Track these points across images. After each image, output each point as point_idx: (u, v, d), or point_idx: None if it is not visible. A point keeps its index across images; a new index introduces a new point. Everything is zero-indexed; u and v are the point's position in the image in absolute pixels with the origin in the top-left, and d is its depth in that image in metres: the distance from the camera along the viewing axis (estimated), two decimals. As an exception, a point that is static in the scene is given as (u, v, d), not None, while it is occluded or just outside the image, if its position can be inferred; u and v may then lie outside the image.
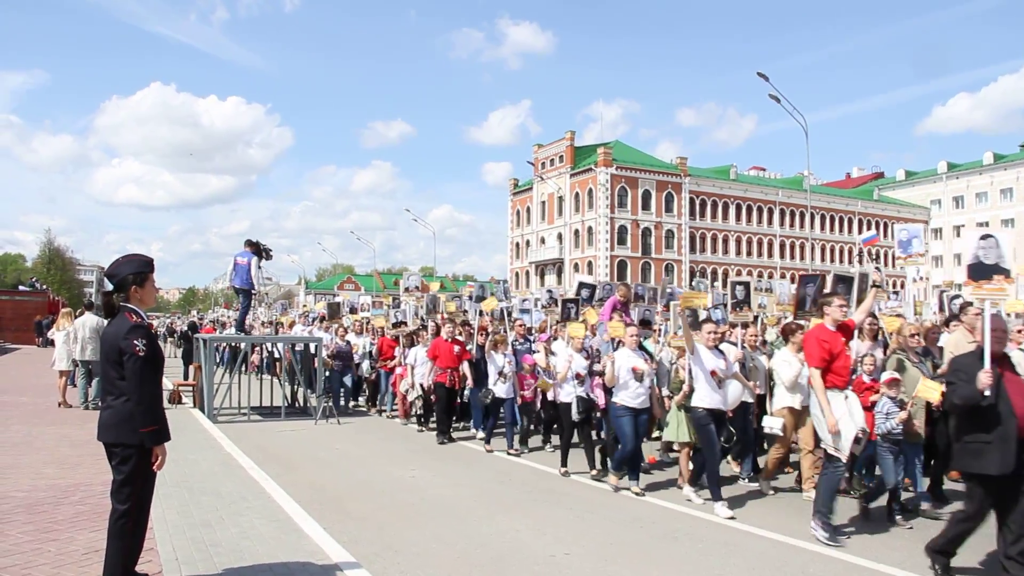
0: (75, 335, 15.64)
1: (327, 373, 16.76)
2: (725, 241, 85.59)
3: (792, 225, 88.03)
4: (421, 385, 14.24)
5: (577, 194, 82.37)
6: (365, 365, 17.55)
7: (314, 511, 7.65)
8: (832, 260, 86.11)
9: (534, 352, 12.85)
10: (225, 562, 5.85)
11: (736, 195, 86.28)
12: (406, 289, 18.76)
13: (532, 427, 13.11)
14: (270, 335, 21.47)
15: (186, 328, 27.90)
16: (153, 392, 5.03)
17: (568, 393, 10.25)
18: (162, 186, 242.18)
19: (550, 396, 11.30)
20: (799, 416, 9.07)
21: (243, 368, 18.66)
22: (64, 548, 6.01)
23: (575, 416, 10.12)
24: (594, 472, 9.97)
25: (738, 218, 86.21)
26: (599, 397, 10.53)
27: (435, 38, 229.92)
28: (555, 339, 12.75)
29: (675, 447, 10.36)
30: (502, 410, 12.59)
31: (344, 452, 11.94)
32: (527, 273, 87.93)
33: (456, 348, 13.27)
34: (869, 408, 7.96)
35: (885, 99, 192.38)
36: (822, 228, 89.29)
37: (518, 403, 12.70)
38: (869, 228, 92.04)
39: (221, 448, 11.38)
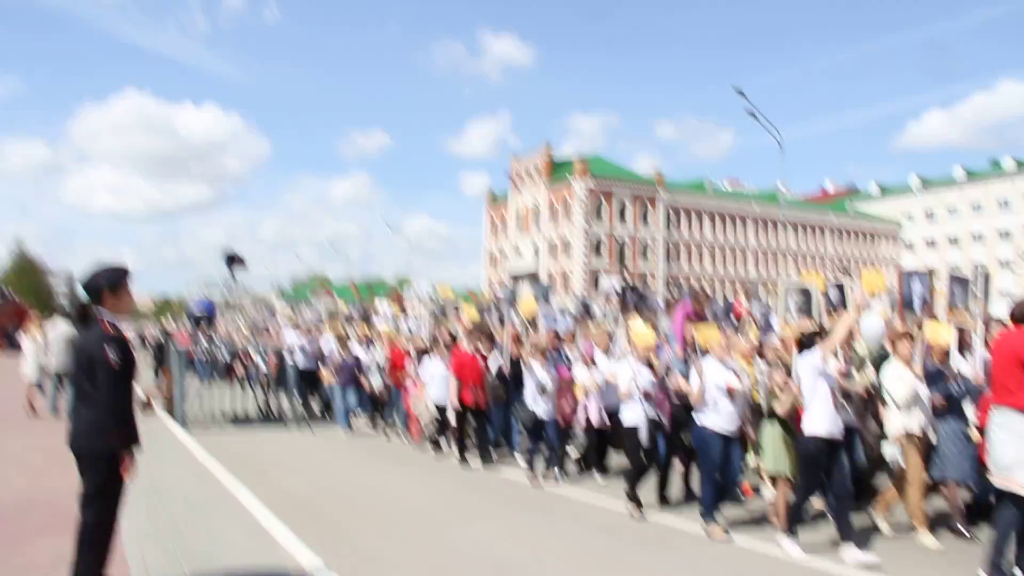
0: (45, 343, 15.50)
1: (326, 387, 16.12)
2: (701, 253, 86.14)
3: (767, 237, 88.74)
4: (438, 406, 12.39)
5: (553, 206, 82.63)
6: (376, 380, 15.26)
7: (285, 518, 7.61)
8: (807, 271, 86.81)
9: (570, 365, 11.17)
10: (195, 568, 5.82)
11: (712, 207, 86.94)
12: (418, 298, 17.22)
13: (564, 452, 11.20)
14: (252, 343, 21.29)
15: (160, 339, 27.68)
16: (124, 401, 5.00)
17: (635, 414, 8.53)
18: (137, 194, 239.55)
19: (593, 418, 10.44)
20: (916, 443, 7.67)
21: (214, 375, 18.63)
22: (32, 559, 5.95)
23: (644, 442, 8.46)
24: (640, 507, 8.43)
25: (713, 230, 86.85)
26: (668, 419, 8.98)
27: (415, 51, 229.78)
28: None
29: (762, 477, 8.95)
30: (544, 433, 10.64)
31: (316, 460, 11.91)
32: (502, 284, 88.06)
33: (481, 362, 11.86)
34: None
35: (861, 114, 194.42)
36: (796, 240, 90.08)
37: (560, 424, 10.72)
38: (843, 240, 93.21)
39: (192, 455, 11.30)
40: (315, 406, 17.32)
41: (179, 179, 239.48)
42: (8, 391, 19.59)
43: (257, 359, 17.56)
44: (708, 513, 7.69)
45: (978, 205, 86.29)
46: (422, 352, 13.48)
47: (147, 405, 16.26)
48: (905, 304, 9.96)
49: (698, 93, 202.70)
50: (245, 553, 6.37)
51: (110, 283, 5.07)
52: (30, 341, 15.90)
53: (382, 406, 15.38)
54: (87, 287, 5.11)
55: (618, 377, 8.90)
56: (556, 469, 10.46)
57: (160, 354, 22.11)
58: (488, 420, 12.00)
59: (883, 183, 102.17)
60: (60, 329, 15.53)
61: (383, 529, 7.73)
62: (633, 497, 8.42)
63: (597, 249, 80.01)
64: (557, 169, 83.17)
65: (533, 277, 79.26)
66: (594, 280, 77.52)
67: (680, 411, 8.80)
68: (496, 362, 12.09)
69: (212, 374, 18.32)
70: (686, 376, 8.56)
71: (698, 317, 10.63)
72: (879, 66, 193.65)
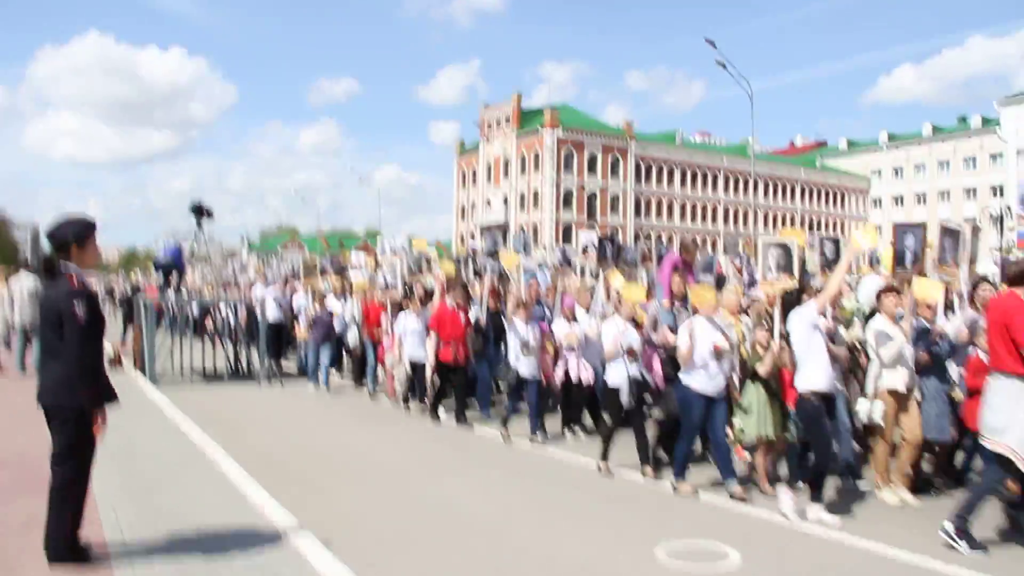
0: (10, 297, 15.25)
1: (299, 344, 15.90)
2: (670, 206, 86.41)
3: (736, 192, 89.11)
4: (412, 363, 12.15)
5: (523, 156, 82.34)
6: (351, 335, 14.86)
7: (258, 476, 7.64)
8: (775, 227, 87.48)
9: (555, 321, 10.95)
10: (169, 527, 5.84)
11: (682, 160, 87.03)
12: (392, 251, 16.62)
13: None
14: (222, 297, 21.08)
15: (128, 292, 27.34)
16: (93, 355, 5.00)
17: (618, 373, 8.32)
18: (100, 141, 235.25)
19: (573, 374, 10.17)
20: (902, 400, 7.47)
21: (185, 330, 18.43)
22: (3, 519, 5.93)
23: (625, 402, 8.29)
24: (646, 469, 8.28)
25: (683, 184, 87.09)
26: (657, 376, 8.86)
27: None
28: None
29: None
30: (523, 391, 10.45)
31: (287, 417, 11.93)
32: (473, 236, 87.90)
33: (462, 316, 11.48)
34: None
35: (832, 67, 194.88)
36: (765, 195, 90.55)
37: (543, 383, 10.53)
38: (812, 196, 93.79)
39: (163, 413, 11.29)
40: (285, 361, 17.28)
41: (143, 126, 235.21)
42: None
43: (227, 313, 17.40)
44: (680, 471, 7.68)
45: (945, 162, 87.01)
46: (397, 306, 13.17)
47: (115, 361, 16.25)
48: (897, 259, 9.55)
49: (670, 44, 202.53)
50: (218, 512, 6.40)
51: (76, 236, 5.03)
52: (-7, 295, 15.62)
53: (363, 364, 14.89)
54: (53, 240, 5.06)
55: (603, 335, 8.63)
56: (538, 430, 10.21)
57: (128, 308, 21.91)
58: (470, 377, 11.81)
59: (852, 138, 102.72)
60: (25, 283, 15.29)
61: (355, 486, 7.79)
62: (605, 455, 8.39)
63: (567, 201, 79.95)
64: (527, 119, 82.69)
65: (502, 229, 79.14)
66: (564, 232, 77.56)
67: (669, 365, 8.68)
68: (473, 316, 11.86)
69: (183, 329, 18.11)
70: (674, 329, 8.45)
71: (686, 266, 10.41)
72: (852, 19, 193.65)
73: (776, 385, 7.66)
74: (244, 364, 16.91)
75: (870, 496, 7.59)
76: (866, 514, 7.05)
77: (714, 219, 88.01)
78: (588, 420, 10.80)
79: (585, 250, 12.75)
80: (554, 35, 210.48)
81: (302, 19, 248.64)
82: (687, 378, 7.62)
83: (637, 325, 8.54)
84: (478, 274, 14.54)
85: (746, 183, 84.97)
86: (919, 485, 7.63)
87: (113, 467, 7.54)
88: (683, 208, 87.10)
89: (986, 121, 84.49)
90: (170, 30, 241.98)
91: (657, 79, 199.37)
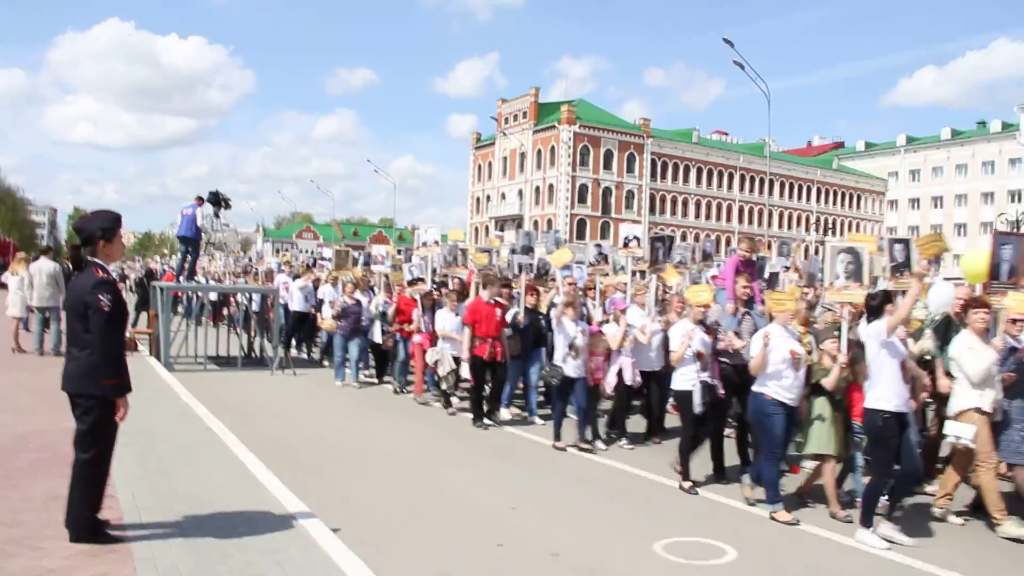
0: (30, 281, 15.53)
1: (328, 336, 15.47)
2: (685, 204, 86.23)
3: (752, 191, 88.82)
4: (454, 357, 11.47)
5: (540, 151, 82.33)
6: (376, 329, 14.11)
7: (269, 461, 7.86)
8: (790, 227, 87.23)
9: (601, 322, 10.60)
10: (184, 510, 6.05)
11: (698, 159, 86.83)
12: (423, 243, 15.93)
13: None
14: (241, 286, 21.34)
15: (142, 275, 27.62)
16: (117, 346, 5.20)
17: (688, 379, 7.96)
18: (119, 126, 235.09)
19: (627, 377, 9.74)
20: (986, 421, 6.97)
21: (202, 318, 18.73)
22: (25, 495, 6.17)
23: (697, 408, 7.88)
24: (747, 491, 7.51)
25: (699, 181, 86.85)
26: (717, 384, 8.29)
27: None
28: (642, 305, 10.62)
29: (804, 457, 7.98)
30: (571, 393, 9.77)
31: (300, 404, 12.15)
32: (487, 228, 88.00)
33: (499, 312, 11.00)
34: None
35: (853, 68, 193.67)
36: (781, 195, 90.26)
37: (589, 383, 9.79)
38: (828, 197, 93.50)
39: (178, 397, 11.52)
40: (308, 351, 17.39)
41: (162, 112, 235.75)
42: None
43: (242, 300, 17.66)
44: (775, 496, 7.02)
45: (963, 166, 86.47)
46: (430, 300, 12.84)
47: (130, 346, 16.49)
48: (994, 271, 9.02)
49: (689, 41, 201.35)
50: (231, 496, 6.61)
51: (103, 231, 5.25)
52: (15, 279, 15.91)
53: (386, 359, 14.46)
54: (81, 234, 5.29)
55: (671, 338, 8.33)
56: (591, 435, 9.74)
57: (143, 293, 22.19)
58: (503, 377, 11.37)
59: (869, 140, 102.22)
60: (45, 267, 15.57)
61: (364, 474, 8.01)
62: (685, 471, 7.89)
63: (582, 196, 79.96)
64: (544, 113, 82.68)
65: (516, 221, 79.17)
66: (578, 226, 77.56)
67: (731, 372, 8.27)
68: (511, 313, 11.36)
69: (199, 316, 18.41)
70: (738, 334, 8.19)
71: (747, 267, 9.80)
72: (874, 20, 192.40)
73: (842, 399, 7.32)
74: (257, 351, 17.18)
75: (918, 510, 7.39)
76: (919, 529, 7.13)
77: (729, 218, 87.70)
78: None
79: (627, 243, 11.93)
80: (573, 30, 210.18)
81: (322, 8, 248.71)
82: (765, 388, 7.14)
83: (707, 329, 8.26)
84: (519, 270, 13.88)
85: (762, 182, 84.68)
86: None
87: (130, 450, 7.74)
88: (698, 206, 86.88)
89: (1006, 126, 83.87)
90: (192, 18, 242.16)
91: (675, 76, 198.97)
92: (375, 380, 14.78)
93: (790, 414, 7.17)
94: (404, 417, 11.50)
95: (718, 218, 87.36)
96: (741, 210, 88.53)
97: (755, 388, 7.24)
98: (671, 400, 9.47)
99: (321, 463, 8.37)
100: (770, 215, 78.02)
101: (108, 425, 5.16)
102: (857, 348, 7.10)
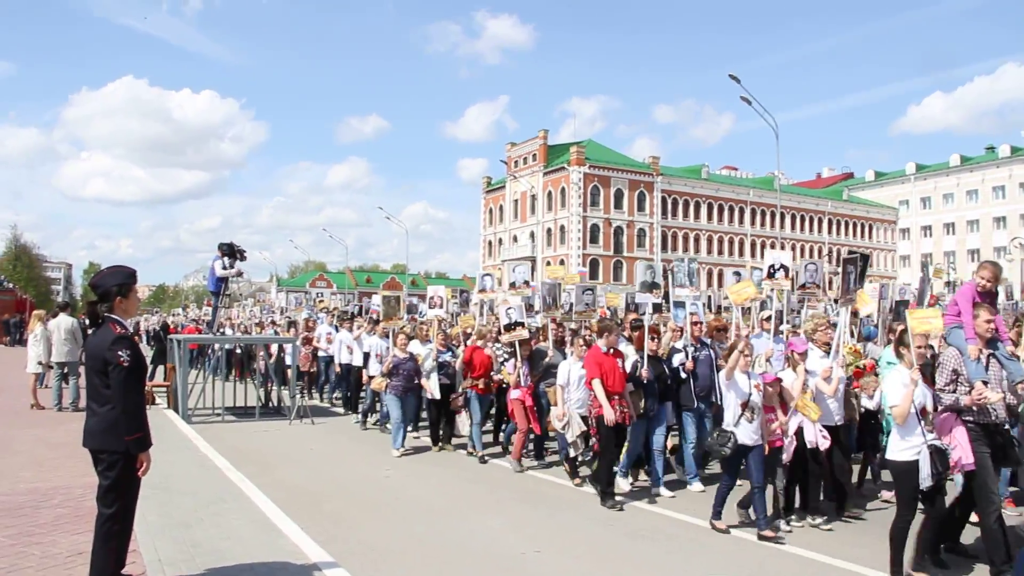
0: (47, 337, 15.63)
1: (373, 395, 14.66)
2: (697, 240, 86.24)
3: (763, 224, 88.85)
4: (584, 418, 9.55)
5: (550, 192, 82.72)
6: (433, 382, 12.37)
7: (291, 511, 7.83)
8: (802, 258, 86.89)
9: (774, 370, 8.71)
10: (207, 562, 6.03)
11: (708, 194, 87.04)
12: (512, 284, 14.14)
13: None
14: (268, 336, 21.46)
15: (157, 328, 27.78)
16: (137, 400, 5.21)
17: (911, 445, 6.20)
18: (132, 181, 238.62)
19: (809, 438, 8.00)
20: None
21: (229, 371, 18.99)
22: (48, 551, 6.15)
23: (924, 483, 6.12)
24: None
25: (710, 217, 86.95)
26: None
27: (412, 31, 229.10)
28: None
29: None
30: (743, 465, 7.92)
31: (318, 452, 12.10)
32: (500, 271, 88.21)
33: (620, 363, 9.27)
34: None
35: (861, 97, 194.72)
36: (792, 227, 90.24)
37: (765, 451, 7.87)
38: (839, 228, 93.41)
39: (197, 449, 11.51)
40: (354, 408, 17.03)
41: (175, 166, 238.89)
42: (10, 384, 19.74)
43: (261, 352, 17.75)
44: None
45: (974, 192, 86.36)
46: (528, 348, 11.46)
47: (149, 399, 16.52)
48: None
49: (697, 77, 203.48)
50: (254, 547, 6.57)
51: (119, 287, 5.28)
52: (32, 335, 16.02)
53: (444, 415, 12.66)
54: (97, 290, 5.33)
55: (889, 391, 6.41)
56: (781, 518, 8.01)
57: (160, 345, 22.31)
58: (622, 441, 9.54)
59: (879, 169, 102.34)
60: (64, 323, 15.68)
61: (387, 521, 7.95)
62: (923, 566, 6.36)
63: (594, 236, 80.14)
64: (553, 154, 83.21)
65: (530, 262, 79.15)
66: (591, 266, 77.54)
67: (980, 435, 6.51)
68: (630, 362, 9.65)
69: (224, 370, 18.62)
70: (985, 382, 6.48)
71: (986, 299, 7.29)
72: (880, 50, 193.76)
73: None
74: (275, 401, 17.20)
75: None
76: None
77: (741, 252, 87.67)
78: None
79: (772, 274, 10.64)
80: (581, 70, 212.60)
81: (331, 58, 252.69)
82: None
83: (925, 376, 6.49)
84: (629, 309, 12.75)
85: (773, 216, 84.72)
86: None
87: (152, 503, 7.73)
88: (710, 241, 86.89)
89: (1015, 150, 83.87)
90: (204, 73, 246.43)
91: (684, 112, 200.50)
92: (429, 445, 12.80)
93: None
94: (423, 464, 11.43)
95: (730, 253, 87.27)
96: (753, 244, 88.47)
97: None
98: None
99: (343, 511, 8.32)
100: (782, 247, 77.79)
101: (131, 480, 5.16)
102: None
